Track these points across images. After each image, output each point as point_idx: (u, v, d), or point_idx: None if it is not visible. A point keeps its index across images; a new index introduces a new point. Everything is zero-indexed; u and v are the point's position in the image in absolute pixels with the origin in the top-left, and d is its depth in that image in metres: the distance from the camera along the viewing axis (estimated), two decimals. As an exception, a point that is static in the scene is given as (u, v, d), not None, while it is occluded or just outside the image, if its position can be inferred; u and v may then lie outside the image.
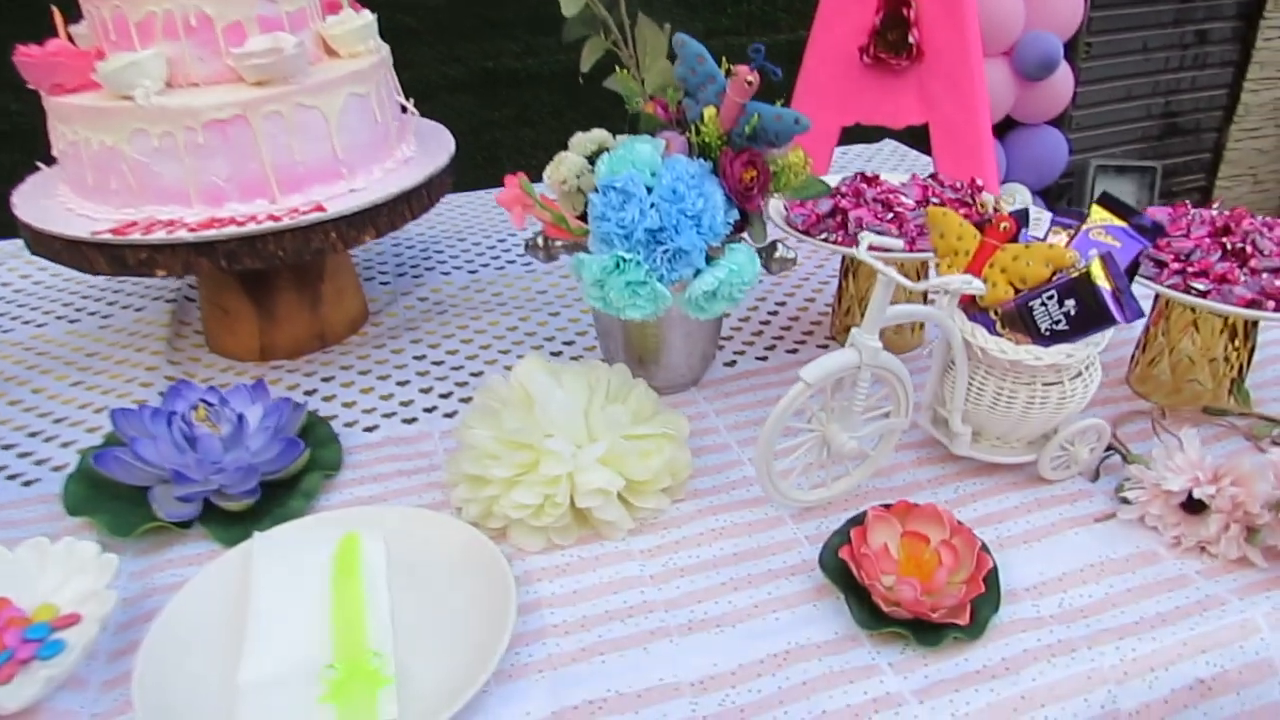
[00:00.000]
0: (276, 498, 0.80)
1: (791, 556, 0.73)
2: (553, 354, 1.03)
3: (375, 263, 1.29)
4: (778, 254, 0.88)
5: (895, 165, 1.61)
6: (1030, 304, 0.73)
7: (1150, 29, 2.99)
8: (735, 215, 0.80)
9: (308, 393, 0.98)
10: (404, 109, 1.05)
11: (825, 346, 1.03)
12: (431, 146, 1.05)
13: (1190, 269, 0.82)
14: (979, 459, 0.79)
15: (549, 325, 1.10)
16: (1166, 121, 3.19)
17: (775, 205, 0.99)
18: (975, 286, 0.70)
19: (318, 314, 1.05)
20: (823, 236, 0.93)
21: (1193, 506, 0.71)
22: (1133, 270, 0.75)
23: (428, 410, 0.94)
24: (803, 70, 1.28)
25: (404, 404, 0.95)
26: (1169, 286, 0.81)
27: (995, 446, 0.80)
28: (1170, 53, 3.06)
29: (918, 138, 1.53)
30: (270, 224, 0.85)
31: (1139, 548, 0.72)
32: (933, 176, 1.04)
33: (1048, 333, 0.73)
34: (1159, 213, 0.93)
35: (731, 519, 0.77)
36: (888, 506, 0.70)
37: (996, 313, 0.76)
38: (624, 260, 0.75)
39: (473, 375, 1.00)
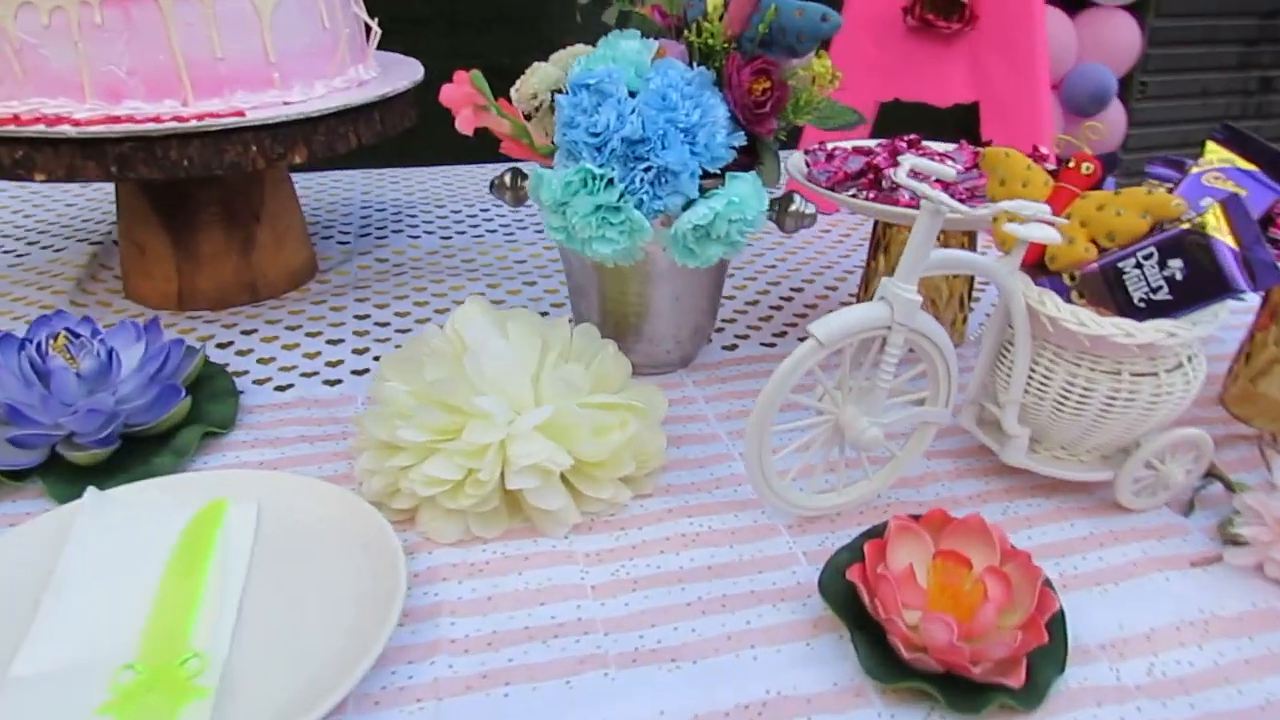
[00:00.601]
0: (140, 453, 0.64)
1: (783, 577, 0.55)
2: (520, 324, 0.86)
3: (338, 220, 1.13)
4: (794, 206, 0.71)
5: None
6: (1121, 265, 0.55)
7: (1211, 72, 2.82)
8: (740, 139, 0.63)
9: (221, 345, 0.81)
10: (369, 29, 0.89)
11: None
12: (396, 76, 0.90)
13: (1320, 251, 0.64)
14: (1037, 473, 0.61)
15: (521, 294, 0.93)
16: (1225, 172, 3.00)
17: (795, 161, 0.83)
18: (1050, 231, 0.52)
19: (249, 261, 0.89)
20: (850, 193, 0.76)
21: (1335, 550, 0.52)
22: (1263, 227, 0.58)
23: (357, 373, 0.77)
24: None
25: (331, 364, 0.79)
26: (1294, 269, 0.63)
27: (1058, 459, 0.62)
28: (1231, 99, 2.88)
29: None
30: (174, 125, 0.69)
31: (1256, 604, 0.53)
32: (987, 144, 0.87)
33: (1142, 303, 0.55)
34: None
35: (710, 523, 0.59)
36: (916, 518, 0.52)
37: (1073, 277, 0.58)
38: (594, 176, 0.59)
39: (420, 340, 0.83)
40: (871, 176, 0.78)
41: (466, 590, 0.53)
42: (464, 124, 0.62)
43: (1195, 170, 0.59)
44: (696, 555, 0.56)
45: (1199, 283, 0.53)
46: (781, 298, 0.94)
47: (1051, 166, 0.79)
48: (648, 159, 0.59)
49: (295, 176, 1.29)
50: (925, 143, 0.89)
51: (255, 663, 0.47)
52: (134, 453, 0.64)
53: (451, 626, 0.50)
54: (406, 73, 0.90)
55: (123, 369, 0.66)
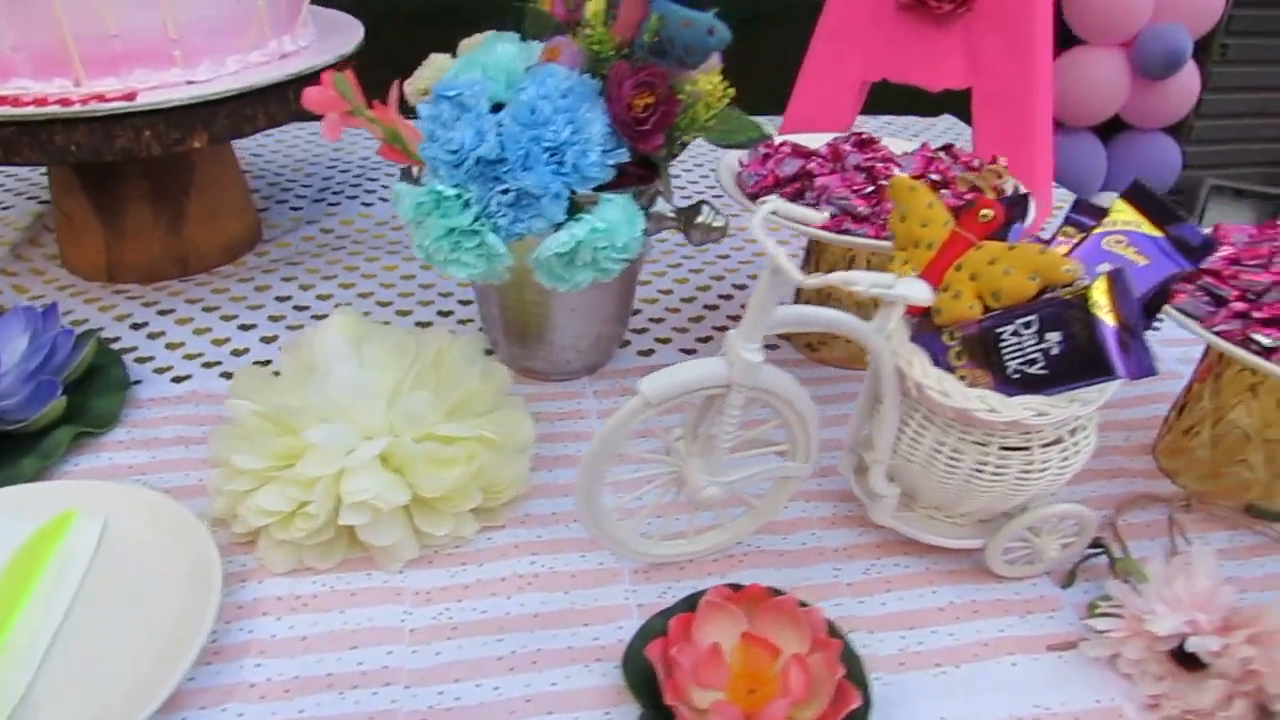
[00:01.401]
0: (9, 453, 0.64)
1: (608, 632, 0.53)
2: (441, 313, 0.84)
3: (300, 180, 1.11)
4: (701, 218, 0.67)
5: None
6: (1000, 330, 0.50)
7: (1300, 35, 2.60)
8: (623, 155, 0.59)
9: (136, 326, 0.81)
10: (304, -5, 0.86)
11: (776, 347, 0.81)
12: (329, 46, 0.86)
13: (1257, 314, 0.58)
14: (904, 533, 0.57)
15: (452, 279, 0.90)
16: (1303, 145, 2.79)
17: (730, 159, 0.78)
18: (913, 292, 0.48)
19: (179, 234, 0.88)
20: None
21: (1188, 659, 0.48)
22: (1157, 303, 0.52)
23: (260, 364, 0.76)
24: (825, 8, 1.05)
25: (236, 353, 0.78)
26: (1220, 334, 0.57)
27: (932, 519, 0.58)
28: (1320, 64, 2.66)
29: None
30: (56, 109, 0.67)
31: (1100, 701, 0.49)
32: (946, 148, 0.80)
33: (1016, 375, 0.50)
34: (1238, 230, 0.69)
35: (553, 563, 0.57)
36: (736, 589, 0.49)
37: (953, 335, 0.53)
38: (445, 198, 0.56)
39: (335, 327, 0.82)
40: (799, 185, 0.73)
41: (284, 628, 0.52)
42: (328, 130, 0.59)
43: (1100, 230, 0.53)
44: (527, 600, 0.55)
45: (1075, 361, 0.48)
46: (721, 295, 0.90)
47: (1009, 185, 0.74)
48: (505, 181, 0.55)
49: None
50: (885, 140, 0.83)
51: (49, 701, 0.47)
52: (4, 452, 0.64)
53: (256, 669, 0.50)
54: (340, 42, 0.87)
55: (2, 363, 0.66)
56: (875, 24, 1.03)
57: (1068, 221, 0.58)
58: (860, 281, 0.45)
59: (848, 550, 0.59)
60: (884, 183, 0.73)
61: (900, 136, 1.39)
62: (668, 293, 0.89)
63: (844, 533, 0.61)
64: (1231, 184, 2.68)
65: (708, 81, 0.59)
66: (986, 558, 0.56)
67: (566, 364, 0.74)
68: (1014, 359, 0.50)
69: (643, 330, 0.83)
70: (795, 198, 0.72)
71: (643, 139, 0.59)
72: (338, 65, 0.83)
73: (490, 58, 0.58)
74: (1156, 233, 0.52)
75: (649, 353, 0.80)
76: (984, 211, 0.54)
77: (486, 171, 0.55)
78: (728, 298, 0.89)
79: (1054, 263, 0.50)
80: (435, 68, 0.65)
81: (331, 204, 1.06)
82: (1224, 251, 0.65)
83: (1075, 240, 0.56)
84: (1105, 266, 0.51)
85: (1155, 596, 0.49)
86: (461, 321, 0.83)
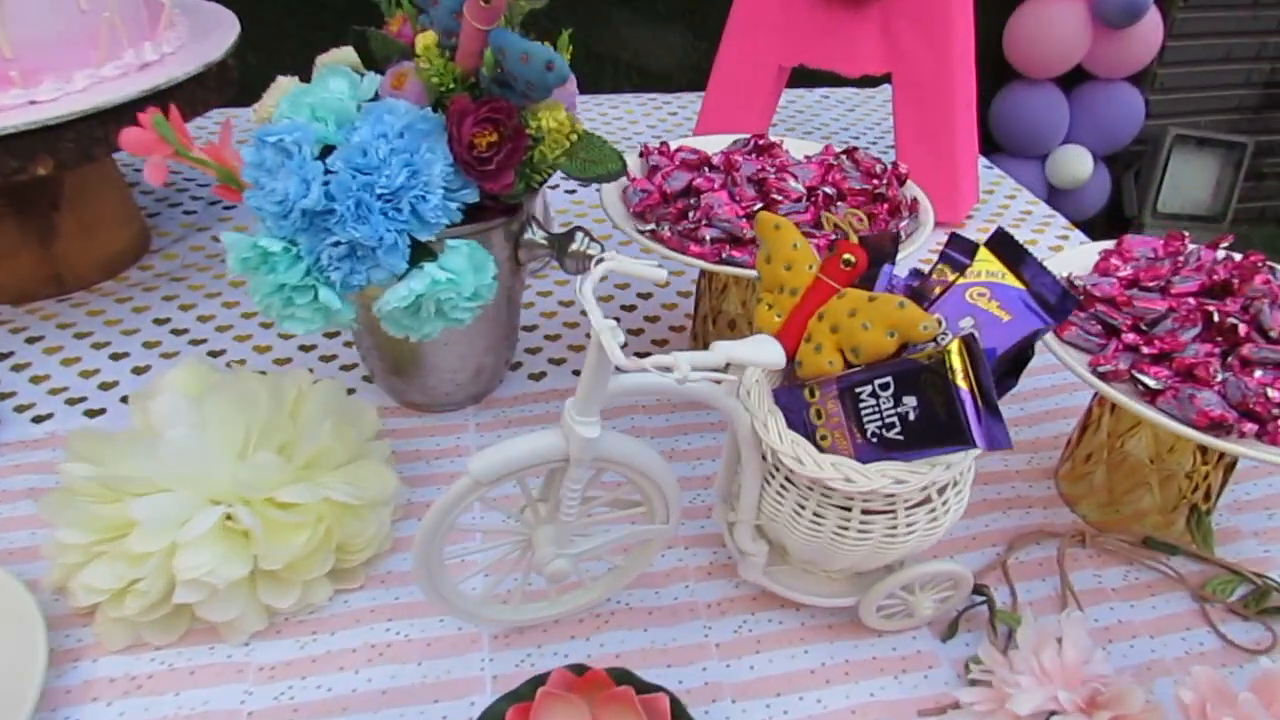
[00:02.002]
0: None
1: (457, 710, 0.50)
2: (328, 335, 0.80)
3: (195, 180, 1.06)
4: (574, 246, 0.63)
5: (881, 121, 1.31)
6: (858, 390, 0.47)
7: (1266, -22, 2.54)
8: (472, 195, 0.55)
9: (1, 355, 0.77)
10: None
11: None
12: (197, 51, 0.81)
13: (1147, 348, 0.55)
14: (774, 592, 0.55)
15: (345, 294, 0.86)
16: (1268, 92, 2.73)
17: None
18: (771, 355, 0.45)
19: (50, 251, 0.83)
20: (648, 229, 0.68)
21: (1052, 734, 0.46)
22: (1021, 360, 0.49)
23: (126, 401, 0.72)
24: (739, -8, 1.00)
25: (103, 387, 0.74)
26: (1104, 374, 0.54)
27: (806, 573, 0.55)
28: (1287, 8, 2.60)
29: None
30: (-120, 141, 0.63)
31: (963, 777, 0.48)
32: (848, 153, 0.76)
33: (874, 438, 0.47)
34: (1143, 244, 0.66)
35: (409, 630, 0.55)
36: (581, 673, 0.47)
37: (814, 392, 0.50)
38: (270, 254, 0.51)
39: (213, 355, 0.78)
40: (681, 205, 0.69)
41: (114, 714, 0.50)
42: (152, 173, 0.55)
43: (964, 281, 0.50)
44: (376, 674, 0.52)
45: (931, 427, 0.45)
46: (622, 306, 0.86)
47: (909, 192, 0.70)
48: (336, 233, 0.51)
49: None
50: (787, 143, 0.79)
51: None
52: None
53: (78, 764, 0.47)
54: (210, 46, 0.81)
55: None
56: (790, 9, 0.98)
57: (943, 258, 0.54)
58: (681, 366, 0.41)
59: (721, 605, 0.57)
60: (777, 197, 0.70)
61: (836, 111, 1.35)
62: (568, 304, 0.86)
63: (719, 584, 0.58)
64: (1195, 133, 2.64)
65: (552, 118, 0.54)
66: (861, 614, 0.54)
67: (447, 396, 0.70)
68: (872, 421, 0.47)
69: (536, 350, 0.79)
70: (680, 216, 0.68)
71: (489, 179, 0.54)
72: (202, 74, 0.78)
73: (319, 96, 0.53)
74: (1019, 285, 0.48)
75: (540, 376, 0.76)
76: (846, 257, 0.50)
77: (316, 223, 0.51)
78: (630, 309, 0.86)
79: (911, 319, 0.46)
80: (280, 92, 0.60)
81: (227, 206, 1.01)
82: (1124, 272, 0.63)
83: (951, 280, 0.52)
84: (968, 321, 0.48)
85: (1023, 666, 0.47)
86: (348, 344, 0.79)
